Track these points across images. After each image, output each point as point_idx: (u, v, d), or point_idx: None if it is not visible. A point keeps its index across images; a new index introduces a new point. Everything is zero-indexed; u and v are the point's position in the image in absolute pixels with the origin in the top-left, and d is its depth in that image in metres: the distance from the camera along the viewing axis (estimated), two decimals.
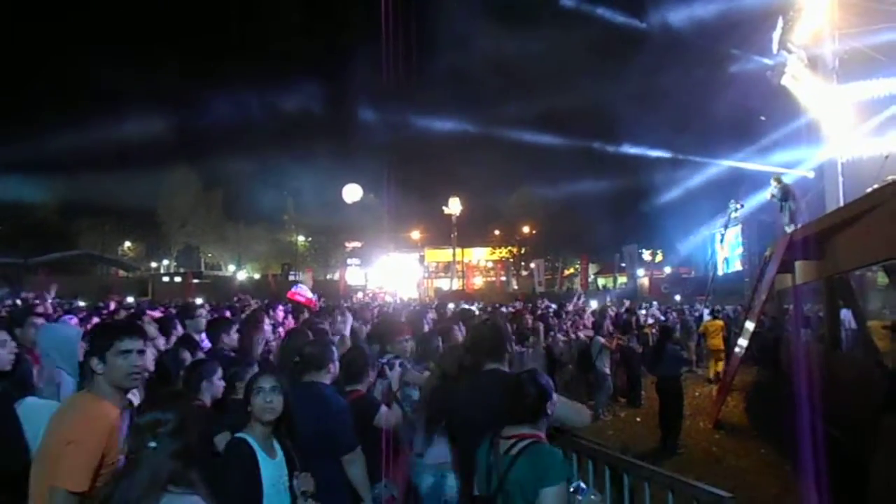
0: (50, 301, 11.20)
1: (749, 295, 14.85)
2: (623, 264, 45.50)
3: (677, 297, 29.51)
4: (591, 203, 42.19)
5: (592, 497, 2.71)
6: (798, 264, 10.95)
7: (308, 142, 48.10)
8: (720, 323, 14.80)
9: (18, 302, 13.83)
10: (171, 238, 50.72)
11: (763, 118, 20.20)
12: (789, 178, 13.30)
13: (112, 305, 13.08)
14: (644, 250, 47.07)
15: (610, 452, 3.30)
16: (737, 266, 35.05)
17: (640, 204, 40.78)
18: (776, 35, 13.80)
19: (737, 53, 18.58)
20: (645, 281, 43.56)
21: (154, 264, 55.65)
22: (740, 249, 34.53)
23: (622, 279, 47.39)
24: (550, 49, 45.43)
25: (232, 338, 4.70)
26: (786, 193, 12.28)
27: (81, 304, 17.08)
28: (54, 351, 4.11)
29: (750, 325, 12.08)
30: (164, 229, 49.68)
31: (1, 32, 46.50)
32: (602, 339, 10.91)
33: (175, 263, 54.57)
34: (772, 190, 12.52)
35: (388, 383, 4.19)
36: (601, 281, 51.23)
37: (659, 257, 48.82)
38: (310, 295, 9.48)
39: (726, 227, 24.69)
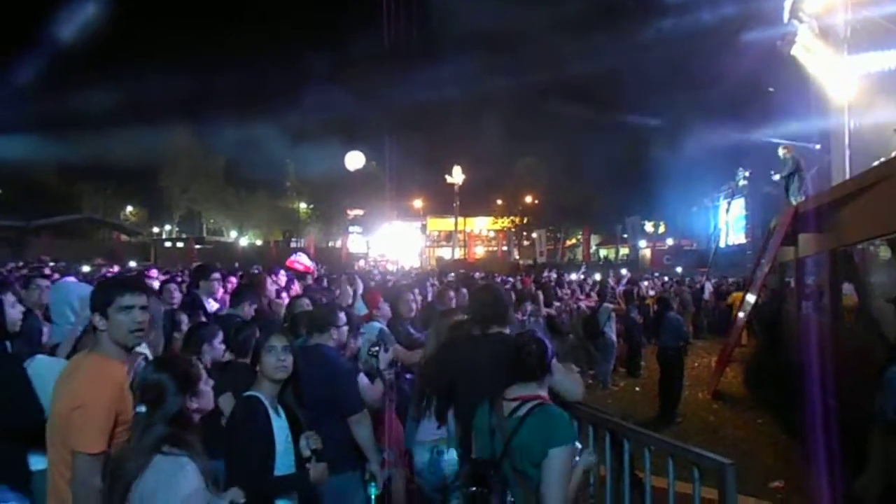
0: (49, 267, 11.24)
1: (751, 267, 14.86)
2: (625, 235, 45.51)
3: (679, 269, 29.54)
4: (594, 173, 41.95)
5: (590, 457, 2.75)
6: (802, 237, 10.94)
7: (311, 108, 47.69)
8: None
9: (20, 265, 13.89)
10: (173, 203, 50.62)
11: (771, 89, 19.94)
12: (795, 150, 13.16)
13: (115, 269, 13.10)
14: (646, 221, 47.01)
15: (610, 418, 3.33)
16: (739, 238, 35.01)
17: (644, 175, 40.48)
18: (787, 3, 13.53)
19: (746, 22, 18.27)
20: (647, 252, 43.59)
21: (156, 229, 55.68)
22: (743, 222, 34.46)
23: (624, 250, 47.44)
24: (555, 15, 44.78)
25: (251, 309, 4.72)
26: (797, 165, 12.21)
27: (86, 269, 17.14)
28: (68, 307, 4.14)
29: (751, 298, 12.12)
30: (166, 194, 49.56)
31: None
32: (610, 305, 10.96)
33: (177, 229, 54.57)
34: (783, 160, 12.44)
35: (375, 363, 4.19)
36: (603, 252, 51.29)
37: (662, 229, 48.72)
38: (308, 263, 9.50)
39: (731, 198, 24.62)
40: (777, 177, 12.50)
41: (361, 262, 34.95)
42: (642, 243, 44.47)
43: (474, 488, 2.44)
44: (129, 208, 55.24)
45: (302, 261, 9.49)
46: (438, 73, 46.20)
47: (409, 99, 48.26)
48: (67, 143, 41.48)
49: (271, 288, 6.24)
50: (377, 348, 3.86)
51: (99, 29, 45.04)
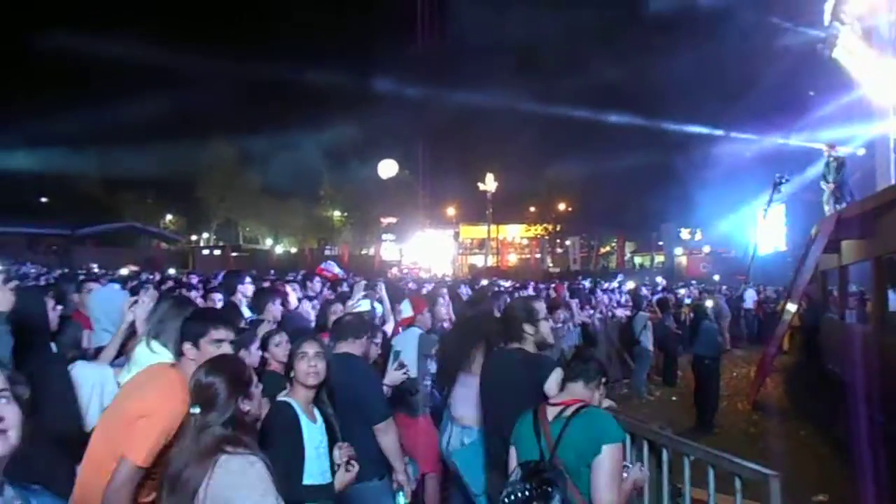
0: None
1: (792, 275, 14.50)
2: (660, 242, 44.82)
3: (716, 277, 28.95)
4: (629, 180, 41.43)
5: (640, 472, 2.72)
6: (845, 244, 10.64)
7: (345, 117, 48.19)
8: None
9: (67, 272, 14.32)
10: (211, 212, 51.58)
11: (812, 93, 19.50)
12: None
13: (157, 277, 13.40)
14: (682, 229, 46.24)
15: (649, 427, 3.26)
16: (779, 246, 34.16)
17: (680, 181, 39.85)
18: (828, 5, 13.23)
19: (786, 25, 17.90)
20: (683, 260, 42.86)
21: (194, 237, 56.81)
22: (783, 229, 33.61)
23: (659, 258, 46.72)
24: (591, 21, 44.51)
25: (277, 308, 4.78)
26: (840, 165, 11.89)
27: (124, 271, 17.61)
28: (103, 315, 4.26)
29: (792, 307, 11.81)
30: (203, 203, 50.53)
31: (43, 8, 47.44)
32: (646, 314, 10.82)
33: (215, 237, 55.63)
34: (828, 157, 12.10)
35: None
36: (638, 259, 50.59)
37: (698, 236, 47.85)
38: (338, 271, 9.67)
39: (769, 204, 24.02)
40: (829, 186, 12.05)
41: (394, 270, 35.11)
42: (678, 251, 43.76)
43: (531, 486, 2.41)
44: (169, 217, 56.44)
45: (331, 268, 9.67)
46: (471, 80, 46.31)
47: (443, 107, 48.42)
48: (110, 155, 42.79)
49: (294, 295, 6.28)
50: (405, 369, 3.93)
51: (139, 44, 46.53)
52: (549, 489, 2.34)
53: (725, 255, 40.91)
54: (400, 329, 5.16)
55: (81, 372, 3.22)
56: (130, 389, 2.54)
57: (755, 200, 36.43)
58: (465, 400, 3.72)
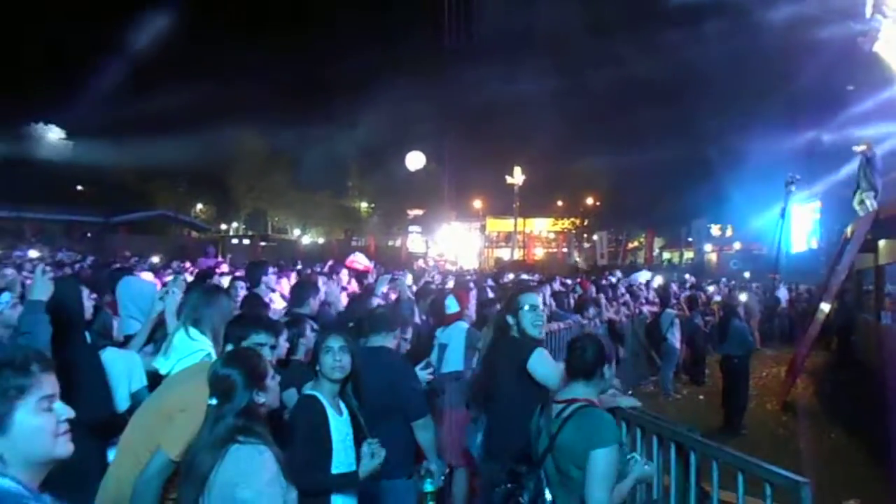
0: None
1: (825, 274, 14.19)
2: (690, 238, 44.18)
3: (746, 275, 28.45)
4: (660, 175, 40.83)
5: (645, 467, 2.68)
6: (883, 243, 10.38)
7: (372, 109, 48.32)
8: None
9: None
10: (241, 202, 52.24)
11: (851, 88, 19.00)
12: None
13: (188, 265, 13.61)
14: (713, 225, 45.50)
15: (676, 429, 3.22)
16: (812, 243, 33.47)
17: (711, 176, 39.18)
18: None
19: (824, 18, 17.46)
20: (713, 256, 42.22)
21: (224, 226, 57.58)
22: (816, 226, 32.91)
23: (689, 254, 46.08)
24: (622, 12, 43.86)
25: (316, 302, 4.81)
26: (868, 161, 11.47)
27: (155, 259, 17.95)
28: (131, 303, 4.36)
29: (825, 306, 11.56)
30: (233, 193, 51.19)
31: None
32: (673, 311, 10.68)
33: (244, 226, 56.37)
34: (863, 155, 11.73)
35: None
36: (666, 255, 49.94)
37: (729, 232, 47.03)
38: (366, 262, 9.71)
39: (801, 202, 23.48)
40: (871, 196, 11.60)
41: (420, 262, 35.20)
42: (708, 247, 43.10)
43: (508, 485, 2.45)
44: (199, 206, 57.27)
45: (360, 260, 9.72)
46: (499, 73, 46.10)
47: (470, 100, 48.31)
48: (143, 145, 43.57)
49: (329, 287, 6.33)
50: (431, 368, 3.95)
51: (170, 36, 47.28)
52: (520, 492, 2.37)
53: (756, 252, 40.20)
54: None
55: (110, 358, 3.30)
56: (173, 383, 2.60)
57: (788, 197, 35.75)
58: None
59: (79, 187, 49.27)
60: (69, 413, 1.55)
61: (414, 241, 52.55)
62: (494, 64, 46.66)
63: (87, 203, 44.72)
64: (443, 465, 4.33)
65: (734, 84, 37.20)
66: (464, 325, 4.80)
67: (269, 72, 52.69)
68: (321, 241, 53.48)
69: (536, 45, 48.57)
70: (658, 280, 17.98)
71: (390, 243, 51.64)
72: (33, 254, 15.04)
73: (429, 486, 3.25)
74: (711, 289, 16.36)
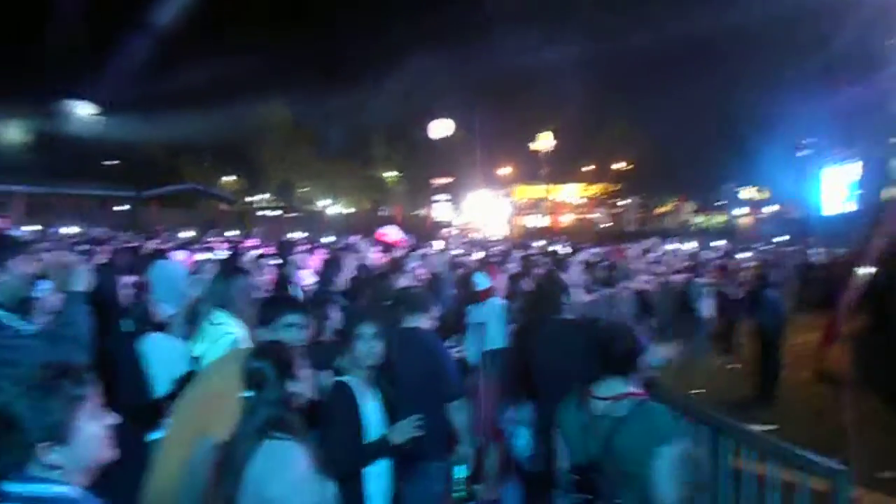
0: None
1: (864, 237, 13.80)
2: (722, 202, 43.35)
3: (780, 238, 27.88)
4: (691, 138, 39.89)
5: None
6: None
7: (398, 76, 47.90)
8: None
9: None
10: (268, 173, 52.57)
11: (893, 41, 18.23)
12: None
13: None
14: (745, 187, 44.49)
15: (709, 412, 3.18)
16: (849, 206, 32.60)
17: (745, 138, 38.15)
18: None
19: None
20: (745, 220, 41.42)
21: (251, 198, 58.10)
22: (855, 188, 31.99)
23: (720, 218, 45.28)
24: None
25: (342, 280, 4.85)
26: None
27: (187, 234, 18.24)
28: (161, 287, 4.45)
29: (863, 271, 11.28)
30: (260, 165, 51.52)
31: None
32: (703, 280, 10.52)
33: (271, 198, 56.82)
34: None
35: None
36: (698, 220, 49.14)
37: (763, 195, 45.97)
38: (398, 236, 9.69)
39: (841, 162, 22.78)
40: None
41: (446, 231, 35.20)
42: (740, 210, 42.25)
43: (582, 496, 2.38)
44: (227, 178, 57.80)
45: (392, 233, 9.70)
46: (525, 36, 45.12)
47: (497, 65, 47.47)
48: (172, 119, 44.05)
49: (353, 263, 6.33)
50: (459, 347, 3.95)
51: (196, 10, 47.32)
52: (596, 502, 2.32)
53: (791, 215, 39.36)
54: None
55: (153, 344, 3.38)
56: (212, 371, 2.67)
57: (825, 158, 34.76)
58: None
59: (110, 162, 50.02)
60: (113, 419, 1.61)
61: (440, 209, 52.48)
62: (522, 28, 45.67)
63: (119, 178, 45.43)
64: (475, 442, 4.39)
65: (769, 41, 35.91)
66: (499, 301, 4.74)
67: (294, 42, 52.40)
68: (348, 211, 53.73)
69: (563, 9, 47.37)
70: (690, 245, 17.75)
71: (416, 212, 51.66)
72: (69, 230, 15.36)
73: (463, 471, 3.28)
74: (744, 255, 16.03)
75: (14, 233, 15.72)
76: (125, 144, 46.18)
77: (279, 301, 3.13)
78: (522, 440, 3.66)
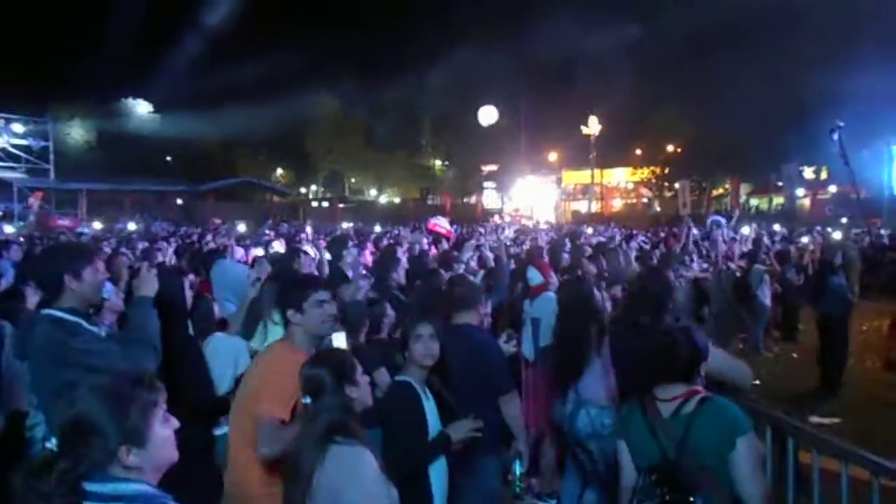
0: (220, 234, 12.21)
1: None
2: (780, 183, 41.69)
3: (843, 220, 26.73)
4: (745, 117, 38.46)
5: None
6: None
7: (445, 65, 47.88)
8: None
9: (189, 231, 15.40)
10: (318, 165, 53.44)
11: None
12: None
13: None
14: (805, 167, 42.69)
15: (774, 413, 3.09)
16: None
17: (803, 115, 36.55)
18: None
19: None
20: (806, 201, 39.83)
21: (303, 190, 59.23)
22: None
23: (778, 199, 43.64)
24: None
25: (399, 274, 4.89)
26: None
27: (242, 228, 18.69)
28: (225, 287, 4.60)
29: None
30: (311, 157, 52.40)
31: None
32: (762, 267, 10.18)
33: (322, 189, 57.83)
34: None
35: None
36: (754, 202, 47.48)
37: (823, 175, 44.03)
38: (448, 227, 9.74)
39: (841, 154, 21.44)
40: None
41: (496, 218, 35.09)
42: (800, 191, 40.60)
43: (666, 491, 2.35)
44: (279, 171, 59.01)
45: (442, 224, 9.76)
46: (572, 20, 44.35)
47: (543, 49, 46.91)
48: (225, 115, 45.36)
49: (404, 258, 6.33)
50: (514, 341, 3.95)
51: (246, 8, 48.55)
52: (692, 498, 2.28)
53: (854, 195, 37.60)
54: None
55: (217, 344, 3.50)
56: (253, 365, 2.81)
57: (890, 136, 33.05)
58: (594, 381, 3.64)
59: (168, 158, 51.77)
60: (177, 423, 1.72)
61: (489, 197, 52.32)
62: (567, 11, 44.91)
63: (176, 173, 46.97)
64: (528, 437, 4.39)
65: (827, 13, 34.29)
66: (552, 295, 4.69)
67: (342, 34, 53.07)
68: (397, 200, 54.16)
69: None
70: (745, 230, 17.08)
71: (465, 200, 51.67)
72: (132, 227, 15.99)
73: (518, 468, 3.30)
74: (805, 240, 15.37)
75: (83, 230, 16.48)
76: (181, 141, 47.78)
77: (303, 281, 3.15)
78: (584, 419, 3.64)
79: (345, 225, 15.15)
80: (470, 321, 3.67)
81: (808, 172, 43.33)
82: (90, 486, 1.54)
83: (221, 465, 2.87)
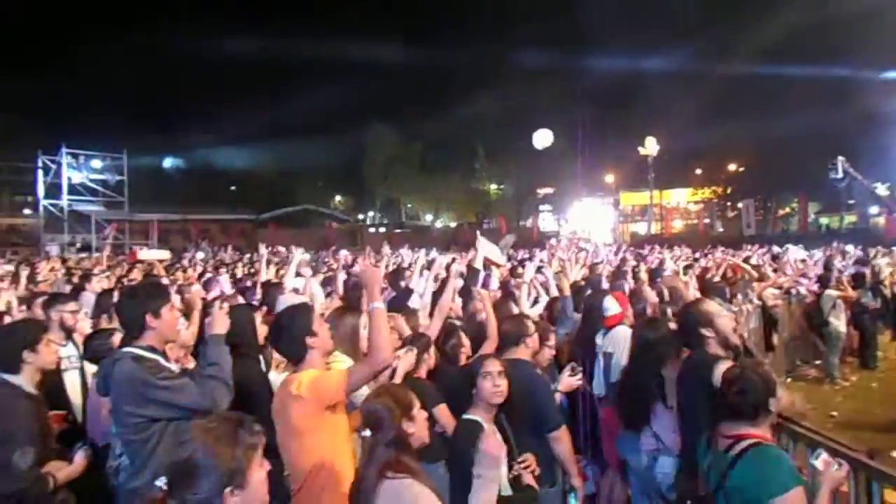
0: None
1: None
2: (851, 201, 39.90)
3: None
4: (812, 133, 37.12)
5: (837, 471, 2.39)
6: None
7: (499, 89, 48.29)
8: None
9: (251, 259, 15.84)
10: (375, 191, 54.44)
11: None
12: None
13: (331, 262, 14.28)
14: (880, 184, 40.69)
15: (853, 454, 2.94)
16: None
17: (875, 130, 35.02)
18: None
19: None
20: (880, 220, 37.90)
21: (361, 216, 60.40)
22: None
23: (850, 218, 41.76)
24: None
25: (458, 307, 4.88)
26: None
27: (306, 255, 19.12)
28: None
29: None
30: (367, 184, 53.46)
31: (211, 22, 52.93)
32: (835, 293, 9.70)
33: (379, 214, 58.85)
34: None
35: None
36: (824, 221, 45.54)
37: None
38: (501, 260, 9.60)
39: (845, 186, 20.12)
40: None
41: (553, 241, 34.76)
42: (874, 209, 38.70)
43: None
44: (338, 198, 60.37)
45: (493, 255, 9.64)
46: (627, 40, 44.11)
47: (600, 71, 46.76)
48: (285, 145, 47.18)
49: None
50: (579, 375, 3.91)
51: (302, 45, 50.63)
52: None
53: None
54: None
55: (278, 380, 3.56)
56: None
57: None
58: (667, 428, 3.57)
59: (232, 188, 53.77)
60: (268, 465, 1.81)
61: (545, 219, 52.01)
62: (623, 31, 44.67)
63: (239, 202, 48.68)
64: (596, 470, 4.31)
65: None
66: (626, 329, 4.55)
67: (396, 61, 54.25)
68: (453, 224, 54.47)
69: (666, 9, 45.81)
70: (815, 253, 16.34)
71: (521, 223, 51.50)
72: (200, 255, 16.58)
73: (573, 501, 3.27)
74: (883, 261, 14.49)
75: (198, 254, 17.10)
76: (244, 171, 49.68)
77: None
78: (665, 468, 3.54)
79: (401, 251, 15.31)
80: (519, 356, 3.65)
81: (882, 189, 41.28)
82: None
83: None
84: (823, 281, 10.10)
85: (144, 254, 13.34)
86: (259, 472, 1.74)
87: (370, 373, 2.65)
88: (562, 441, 3.45)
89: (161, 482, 1.63)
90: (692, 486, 2.76)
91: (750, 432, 2.44)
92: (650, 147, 41.01)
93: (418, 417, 2.40)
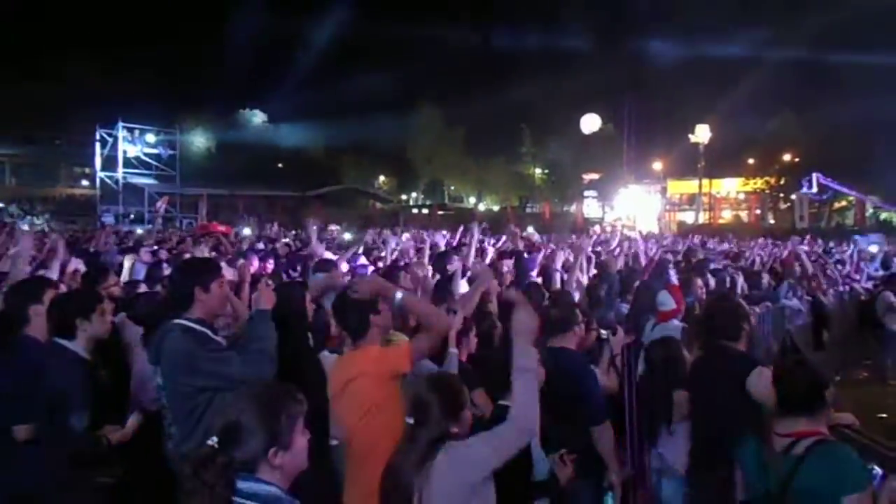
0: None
1: None
2: None
3: None
4: (871, 121, 35.55)
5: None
6: None
7: (547, 73, 47.67)
8: None
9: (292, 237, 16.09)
10: (419, 172, 54.57)
11: None
12: None
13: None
14: None
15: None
16: None
17: None
18: None
19: None
20: None
21: (404, 197, 60.70)
22: None
23: None
24: None
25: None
26: None
27: (347, 236, 19.28)
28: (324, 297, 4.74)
29: None
30: (412, 165, 53.61)
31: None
32: (891, 295, 9.32)
33: (422, 196, 59.05)
34: None
35: (608, 349, 4.08)
36: (884, 215, 43.69)
37: None
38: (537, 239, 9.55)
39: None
40: None
41: (597, 228, 34.28)
42: None
43: None
44: (382, 178, 60.75)
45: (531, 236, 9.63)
46: (680, 23, 42.88)
47: (648, 56, 45.66)
48: (332, 124, 47.62)
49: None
50: None
51: (353, 22, 50.82)
52: None
53: None
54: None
55: (327, 360, 3.62)
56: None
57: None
58: (677, 449, 3.53)
59: (279, 165, 54.61)
60: (309, 434, 1.90)
61: (589, 206, 51.33)
62: (673, 18, 43.46)
63: (286, 179, 49.42)
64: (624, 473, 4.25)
65: None
66: (678, 324, 4.43)
67: (445, 43, 54.09)
68: (496, 208, 54.27)
69: None
70: (872, 248, 15.74)
71: (565, 209, 50.96)
72: (246, 231, 16.87)
73: (610, 500, 3.23)
74: None
75: (242, 231, 17.49)
76: (291, 149, 50.39)
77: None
78: (669, 491, 3.51)
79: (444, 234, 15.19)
80: (566, 345, 3.56)
81: None
82: (240, 483, 1.75)
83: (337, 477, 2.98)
84: (880, 282, 9.70)
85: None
86: (301, 439, 1.86)
87: (433, 340, 2.79)
88: (604, 436, 3.38)
89: (212, 440, 1.76)
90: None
91: (809, 429, 2.37)
92: (702, 135, 39.95)
93: (465, 418, 2.37)
